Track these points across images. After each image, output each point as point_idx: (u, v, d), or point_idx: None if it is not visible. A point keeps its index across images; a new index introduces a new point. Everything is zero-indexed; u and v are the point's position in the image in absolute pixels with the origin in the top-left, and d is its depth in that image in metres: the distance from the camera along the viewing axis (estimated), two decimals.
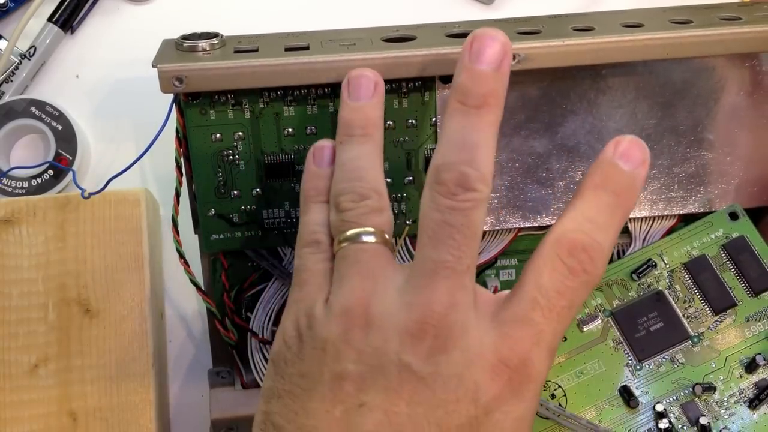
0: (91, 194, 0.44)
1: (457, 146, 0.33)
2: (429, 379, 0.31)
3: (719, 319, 0.43)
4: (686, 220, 0.45)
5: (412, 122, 0.42)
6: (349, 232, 0.34)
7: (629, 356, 0.42)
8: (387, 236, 0.35)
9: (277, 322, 0.44)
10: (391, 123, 0.41)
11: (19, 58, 0.50)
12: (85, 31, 0.52)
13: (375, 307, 0.33)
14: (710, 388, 0.42)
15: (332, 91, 0.41)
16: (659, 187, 0.44)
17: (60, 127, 0.50)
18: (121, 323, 0.47)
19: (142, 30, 0.51)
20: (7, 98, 0.50)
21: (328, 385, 0.32)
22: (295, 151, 0.42)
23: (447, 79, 0.41)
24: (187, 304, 0.51)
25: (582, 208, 0.34)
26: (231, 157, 0.41)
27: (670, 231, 0.45)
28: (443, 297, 0.32)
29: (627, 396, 0.42)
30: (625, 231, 0.45)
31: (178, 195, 0.42)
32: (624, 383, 0.42)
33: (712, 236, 0.44)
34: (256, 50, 0.41)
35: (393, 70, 0.39)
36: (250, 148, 0.41)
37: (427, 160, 0.42)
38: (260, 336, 0.44)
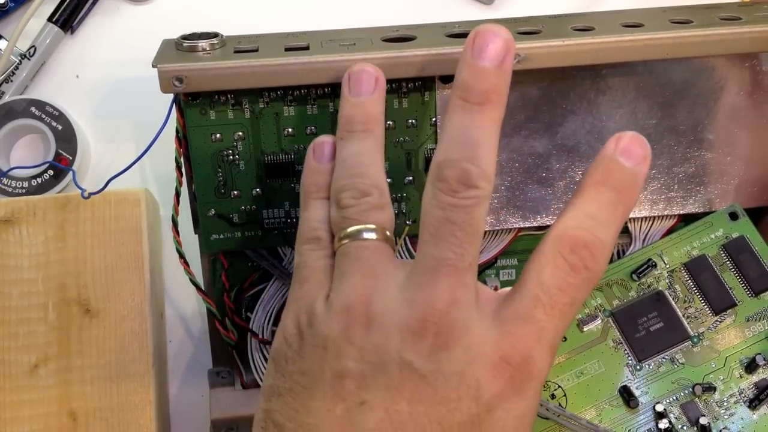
0: (91, 194, 0.44)
1: (459, 143, 0.33)
2: (430, 377, 0.31)
3: (719, 319, 0.43)
4: (686, 220, 0.45)
5: (412, 122, 0.42)
6: (350, 229, 0.34)
7: (629, 356, 0.42)
8: (388, 233, 0.35)
9: (277, 322, 0.44)
10: (391, 123, 0.41)
11: (19, 58, 0.50)
12: (85, 31, 0.52)
13: (376, 304, 0.33)
14: (710, 388, 0.42)
15: (332, 91, 0.41)
16: (659, 187, 0.44)
17: (60, 127, 0.50)
18: (121, 323, 0.47)
19: (142, 30, 0.51)
20: (7, 98, 0.50)
21: (329, 383, 0.32)
22: (295, 151, 0.42)
23: (447, 79, 0.41)
24: (187, 304, 0.51)
25: (583, 205, 0.34)
26: (231, 157, 0.41)
27: (670, 231, 0.45)
28: (445, 294, 0.32)
29: (627, 396, 0.42)
30: (625, 231, 0.45)
31: (178, 195, 0.42)
32: (624, 383, 0.42)
33: (712, 236, 0.44)
34: (256, 50, 0.41)
35: (393, 70, 0.39)
36: (250, 148, 0.41)
37: (427, 160, 0.42)
38: (260, 336, 0.44)
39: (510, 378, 0.32)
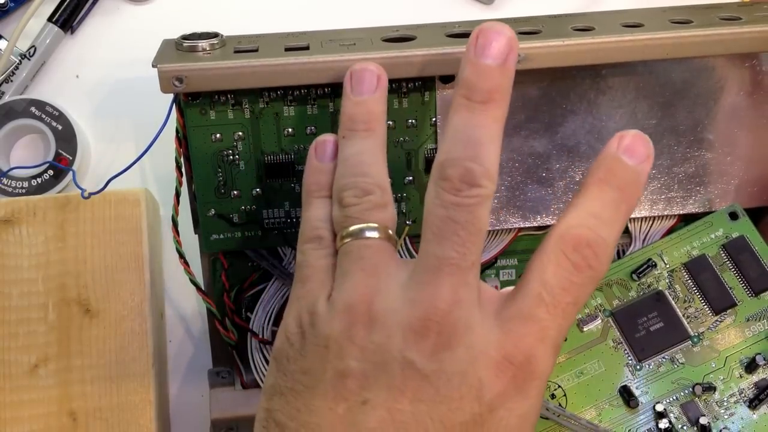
0: (91, 194, 0.44)
1: (462, 142, 0.33)
2: (432, 377, 0.31)
3: (719, 319, 0.43)
4: (686, 220, 0.45)
5: (412, 122, 0.42)
6: (352, 228, 0.34)
7: (629, 356, 0.43)
8: (390, 232, 0.35)
9: (277, 322, 0.44)
10: (391, 123, 0.41)
11: (19, 58, 0.50)
12: (85, 31, 0.52)
13: (378, 303, 0.32)
14: (710, 388, 0.42)
15: (332, 91, 0.41)
16: (659, 187, 0.44)
17: (60, 127, 0.50)
18: (121, 323, 0.47)
19: (142, 30, 0.51)
20: (7, 98, 0.50)
21: (331, 382, 0.32)
22: (295, 151, 0.42)
23: (447, 79, 0.41)
24: (187, 304, 0.51)
25: (586, 204, 0.34)
26: (231, 157, 0.41)
27: (670, 231, 0.45)
28: (447, 294, 0.32)
29: (627, 396, 0.42)
30: (625, 231, 0.45)
31: (178, 195, 0.42)
32: (624, 383, 0.42)
33: (712, 236, 0.44)
34: (256, 50, 0.41)
35: (393, 70, 0.39)
36: (250, 148, 0.41)
37: (427, 160, 0.42)
38: (260, 336, 0.44)
39: (512, 377, 0.32)
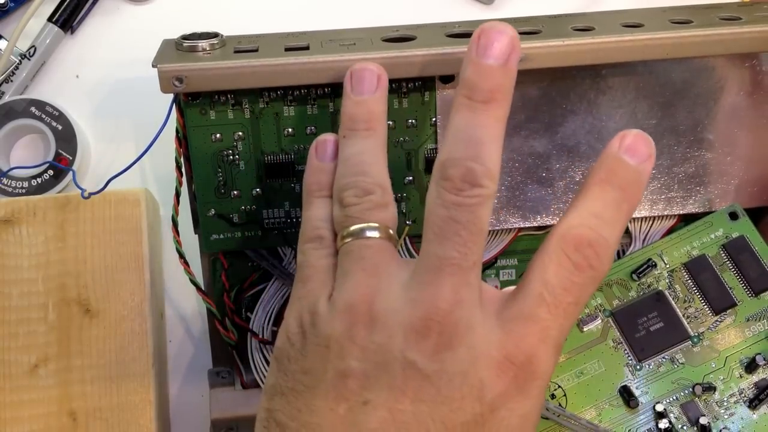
0: (91, 194, 0.44)
1: (464, 142, 0.33)
2: (434, 377, 0.31)
3: (719, 319, 0.43)
4: (686, 220, 0.45)
5: (412, 122, 0.42)
6: (353, 228, 0.34)
7: (629, 356, 0.43)
8: (391, 232, 0.35)
9: (277, 323, 0.44)
10: (391, 123, 0.41)
11: (19, 58, 0.50)
12: (85, 31, 0.52)
13: (379, 303, 0.32)
14: (710, 388, 0.42)
15: (332, 91, 0.41)
16: (659, 187, 0.44)
17: (60, 127, 0.50)
18: (121, 323, 0.47)
19: (142, 30, 0.51)
20: (7, 98, 0.50)
21: (332, 382, 0.32)
22: (295, 151, 0.42)
23: (447, 79, 0.41)
24: (187, 304, 0.51)
25: (587, 204, 0.33)
26: (231, 157, 0.41)
27: (670, 231, 0.45)
28: (448, 294, 0.32)
29: (627, 396, 0.42)
30: (625, 231, 0.45)
31: (178, 195, 0.42)
32: (624, 383, 0.42)
33: (712, 236, 0.44)
34: (256, 50, 0.41)
35: (393, 70, 0.39)
36: (250, 148, 0.41)
37: (428, 160, 0.42)
38: (260, 336, 0.44)
39: (514, 377, 0.32)
